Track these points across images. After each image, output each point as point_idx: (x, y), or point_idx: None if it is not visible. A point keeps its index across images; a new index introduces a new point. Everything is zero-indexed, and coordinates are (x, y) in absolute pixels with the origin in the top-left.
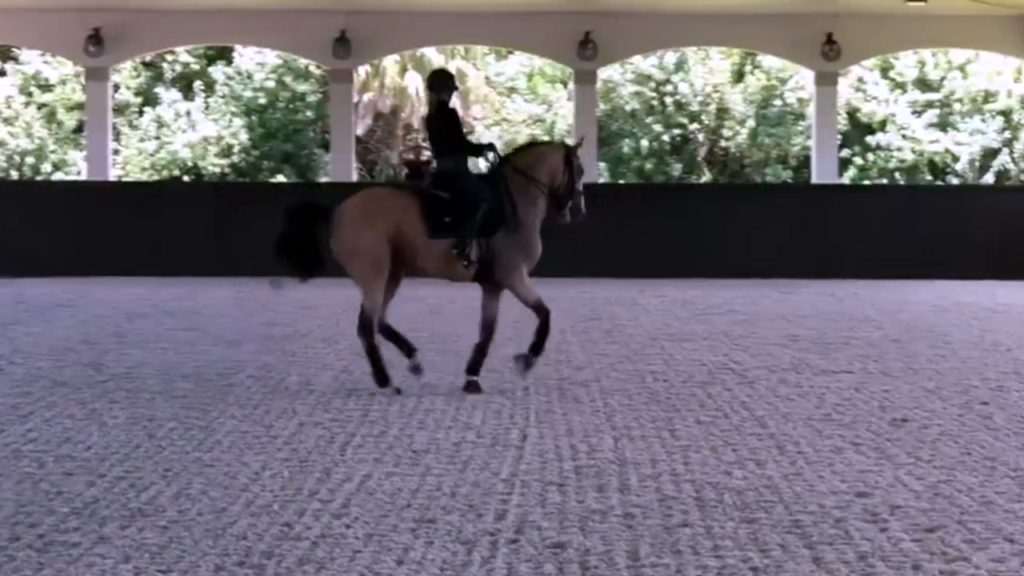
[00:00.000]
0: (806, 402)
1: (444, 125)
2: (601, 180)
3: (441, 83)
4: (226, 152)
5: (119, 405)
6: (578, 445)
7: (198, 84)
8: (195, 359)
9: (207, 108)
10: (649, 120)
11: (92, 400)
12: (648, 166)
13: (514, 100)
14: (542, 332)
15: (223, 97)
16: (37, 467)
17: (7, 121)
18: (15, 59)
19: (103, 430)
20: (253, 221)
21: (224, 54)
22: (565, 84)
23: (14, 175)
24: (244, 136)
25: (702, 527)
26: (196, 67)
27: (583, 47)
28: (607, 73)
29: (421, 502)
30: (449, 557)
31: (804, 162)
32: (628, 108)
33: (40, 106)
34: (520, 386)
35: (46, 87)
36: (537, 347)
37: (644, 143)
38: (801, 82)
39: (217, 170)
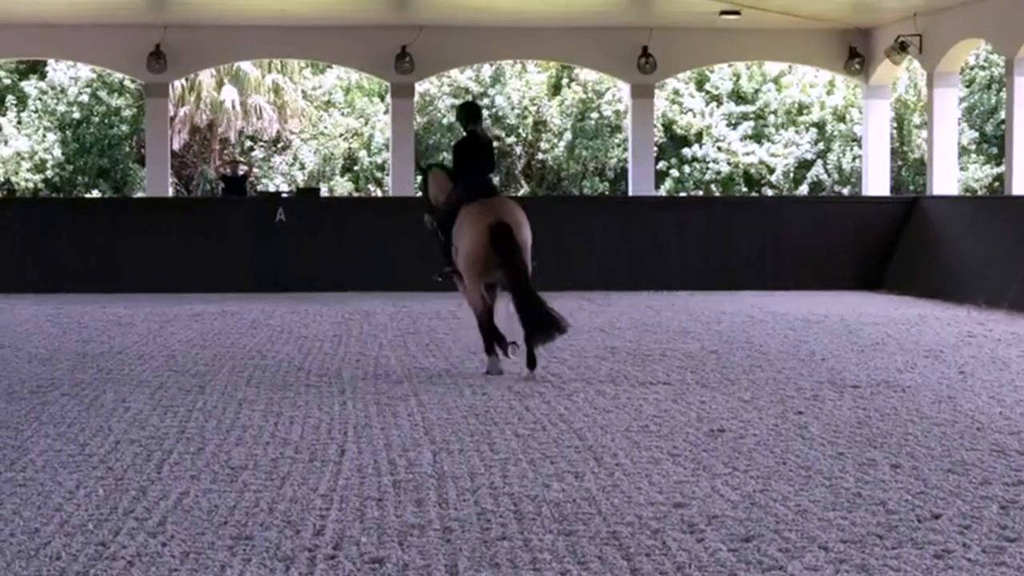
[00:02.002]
0: (624, 414)
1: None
2: (418, 194)
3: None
4: (40, 167)
5: None
6: (397, 459)
7: (10, 99)
8: (7, 376)
9: (20, 123)
10: None
11: None
12: None
13: (331, 114)
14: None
15: (36, 112)
16: None
17: None
18: None
19: None
20: (67, 236)
21: (37, 68)
22: (382, 97)
23: None
24: (58, 151)
25: (520, 540)
26: (8, 81)
27: (400, 60)
28: (424, 86)
29: (239, 519)
30: (267, 574)
31: (621, 174)
32: (445, 121)
33: None
34: (338, 401)
35: None
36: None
37: None
38: (618, 95)
39: (30, 185)
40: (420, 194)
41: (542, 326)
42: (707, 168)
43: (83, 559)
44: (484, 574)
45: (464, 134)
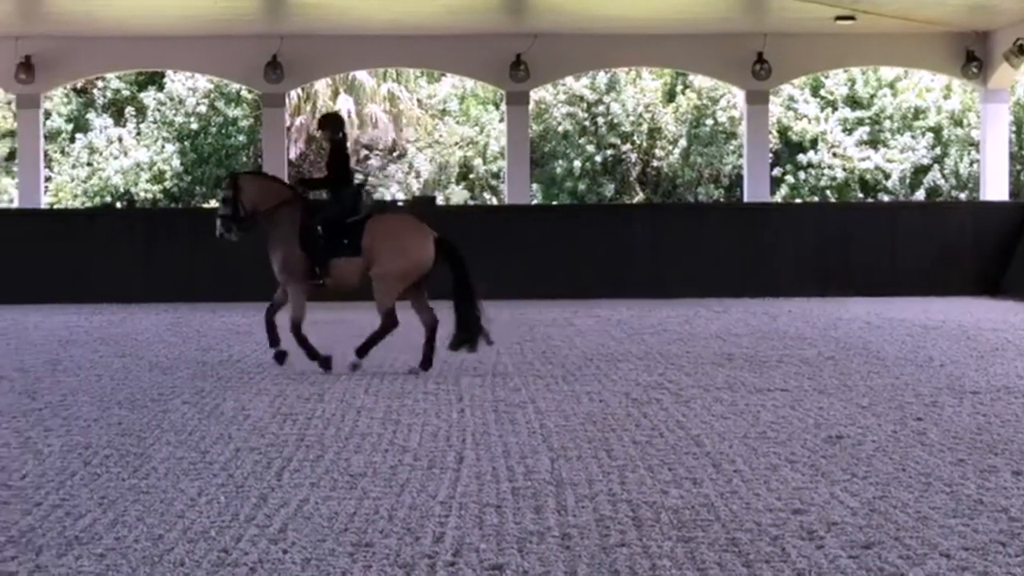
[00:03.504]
0: (741, 420)
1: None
2: (534, 201)
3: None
4: (158, 178)
5: (54, 433)
6: (515, 466)
7: (129, 110)
8: (130, 386)
9: (139, 134)
10: (582, 141)
11: (27, 428)
12: (581, 186)
13: (446, 122)
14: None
15: (155, 123)
16: None
17: None
18: None
19: (38, 458)
20: (186, 247)
21: (155, 79)
22: (497, 106)
23: None
24: (176, 161)
25: (639, 547)
26: (127, 93)
27: (515, 68)
28: (539, 94)
29: (358, 526)
30: None
31: (736, 181)
32: (560, 129)
33: None
34: (456, 408)
35: None
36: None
37: (577, 163)
38: (732, 101)
39: (150, 196)
40: (221, 203)
41: (474, 333)
42: (822, 174)
43: (206, 565)
44: None
45: (334, 141)
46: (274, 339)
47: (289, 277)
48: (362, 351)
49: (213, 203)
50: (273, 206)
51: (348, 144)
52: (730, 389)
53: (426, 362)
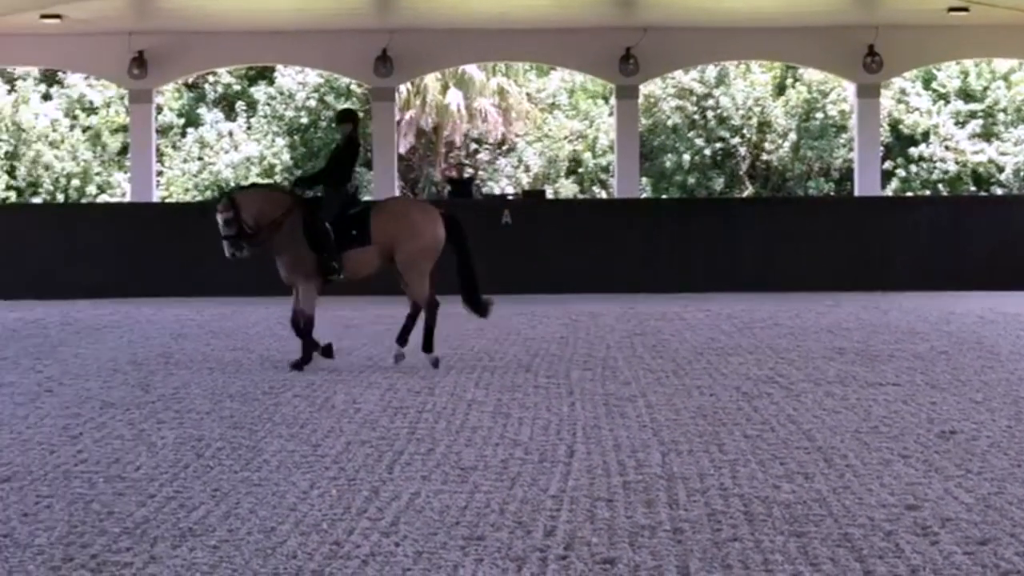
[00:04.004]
0: (853, 415)
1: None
2: (643, 195)
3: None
4: (269, 172)
5: (167, 425)
6: (626, 460)
7: (240, 104)
8: (241, 379)
9: (249, 128)
10: (691, 134)
11: (141, 420)
12: (690, 180)
13: (556, 116)
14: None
15: (265, 117)
16: (88, 488)
17: (53, 144)
18: (60, 83)
19: (152, 450)
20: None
21: (265, 74)
22: (607, 99)
23: (60, 198)
24: (287, 156)
25: (752, 541)
26: (238, 88)
27: (624, 62)
28: (649, 88)
29: (470, 519)
30: (499, 574)
31: (847, 175)
32: (670, 123)
33: (85, 129)
34: (567, 402)
35: (91, 110)
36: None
37: (686, 157)
38: (843, 94)
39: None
40: (224, 225)
41: (483, 305)
42: (934, 167)
43: (318, 558)
44: (716, 575)
45: (351, 137)
46: (312, 344)
47: (298, 277)
48: (428, 346)
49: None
50: (280, 215)
51: (360, 143)
52: (841, 383)
53: (403, 339)
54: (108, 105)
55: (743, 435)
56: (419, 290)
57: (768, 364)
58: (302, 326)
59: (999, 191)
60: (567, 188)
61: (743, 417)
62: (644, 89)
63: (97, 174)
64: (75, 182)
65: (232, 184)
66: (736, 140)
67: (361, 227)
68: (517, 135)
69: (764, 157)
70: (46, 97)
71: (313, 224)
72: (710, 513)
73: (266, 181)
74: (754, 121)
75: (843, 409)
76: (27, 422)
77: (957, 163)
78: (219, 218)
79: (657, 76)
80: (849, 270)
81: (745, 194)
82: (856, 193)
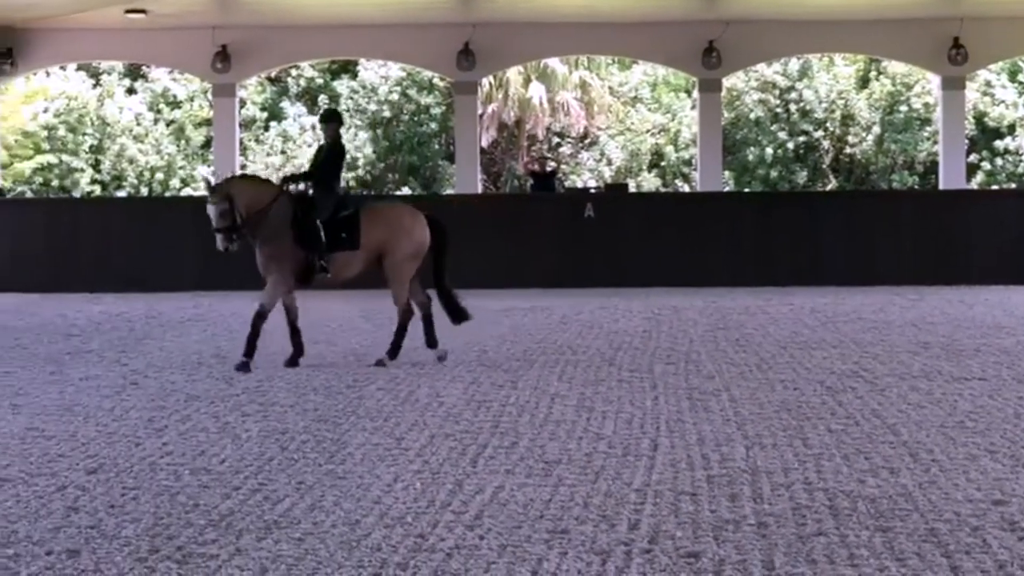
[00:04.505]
0: (938, 409)
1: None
2: (726, 189)
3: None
4: (351, 165)
5: (252, 418)
6: (710, 454)
7: (323, 98)
8: (325, 372)
9: None
10: (774, 127)
11: (225, 413)
12: (773, 174)
13: (638, 110)
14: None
15: (348, 110)
16: (173, 480)
17: (137, 138)
18: (144, 77)
19: (237, 443)
20: None
21: (348, 68)
22: (689, 93)
23: (144, 191)
24: (369, 149)
25: (837, 536)
26: (320, 81)
27: (707, 55)
28: (731, 81)
29: (554, 513)
30: (583, 567)
31: (931, 168)
32: (753, 116)
33: (169, 123)
34: (650, 396)
35: (174, 104)
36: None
37: (769, 151)
38: (927, 87)
39: (343, 184)
40: (218, 216)
41: (460, 311)
42: (1020, 160)
43: (403, 551)
44: (801, 570)
45: (335, 138)
46: (299, 346)
47: (276, 268)
48: (393, 352)
49: (406, 190)
50: (266, 205)
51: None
52: (926, 378)
53: (432, 341)
54: (192, 99)
55: (827, 429)
56: (401, 294)
57: (852, 358)
58: (254, 318)
59: None
60: (649, 182)
61: (827, 411)
62: (727, 82)
63: (181, 168)
64: (159, 176)
65: None
66: (819, 133)
67: (351, 230)
68: (599, 129)
69: (847, 150)
70: (131, 91)
71: (306, 221)
72: (794, 507)
73: (250, 172)
74: (837, 114)
75: (928, 404)
76: (113, 415)
77: None
78: (213, 210)
79: (740, 69)
80: (933, 264)
81: (828, 187)
82: (940, 186)
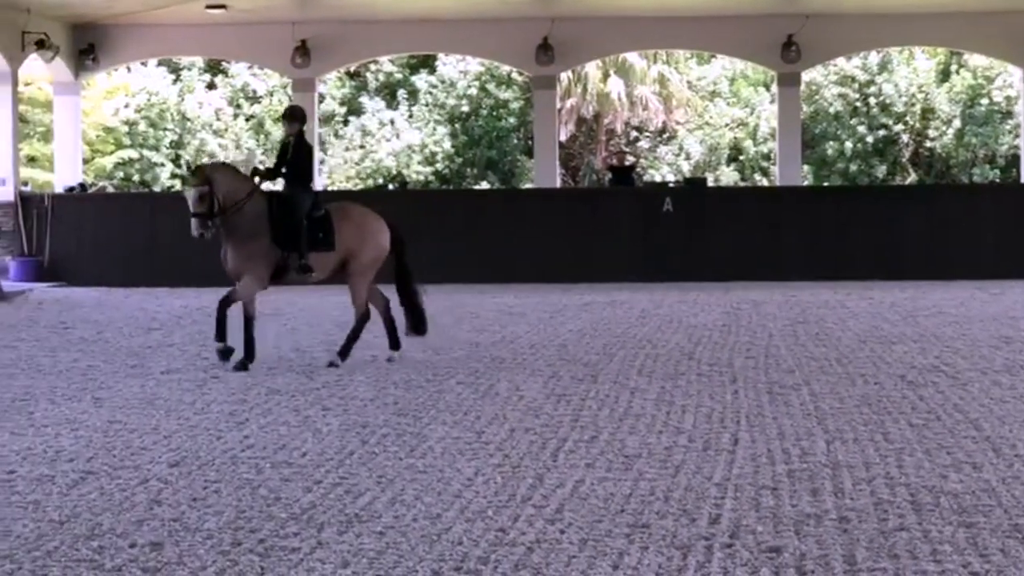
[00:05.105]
0: (1021, 404)
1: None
2: (805, 183)
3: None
4: (430, 160)
5: (332, 412)
6: (790, 449)
7: (401, 93)
8: (405, 366)
9: (411, 116)
10: (853, 121)
11: (306, 407)
12: (852, 168)
13: (717, 104)
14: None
15: (427, 105)
16: (255, 473)
17: (217, 133)
18: (224, 72)
19: (318, 437)
20: (457, 228)
21: (427, 62)
22: (768, 87)
23: None
24: (448, 143)
25: (919, 531)
26: (399, 76)
27: (786, 49)
28: (810, 75)
29: (634, 507)
30: (664, 562)
31: (1012, 161)
32: (832, 110)
33: (248, 118)
34: (730, 390)
35: (254, 99)
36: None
37: (848, 145)
38: (1009, 80)
39: (421, 178)
40: (197, 200)
41: (422, 320)
42: None
43: (484, 545)
44: (883, 565)
45: (299, 135)
46: (222, 333)
47: (253, 267)
48: (344, 353)
49: (484, 184)
50: (242, 199)
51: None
52: (1009, 372)
53: (395, 343)
54: (271, 94)
55: (908, 424)
56: (360, 297)
57: (933, 353)
58: (245, 323)
59: None
60: (728, 176)
61: (908, 406)
62: (806, 76)
63: (260, 162)
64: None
65: (393, 172)
66: (899, 127)
67: (327, 231)
68: (678, 123)
69: (927, 144)
70: (211, 86)
71: (288, 220)
72: (876, 502)
73: (228, 161)
74: (917, 108)
75: (1011, 399)
76: (194, 408)
77: None
78: (192, 192)
79: (819, 63)
80: (1015, 258)
81: (908, 181)
82: (1022, 180)
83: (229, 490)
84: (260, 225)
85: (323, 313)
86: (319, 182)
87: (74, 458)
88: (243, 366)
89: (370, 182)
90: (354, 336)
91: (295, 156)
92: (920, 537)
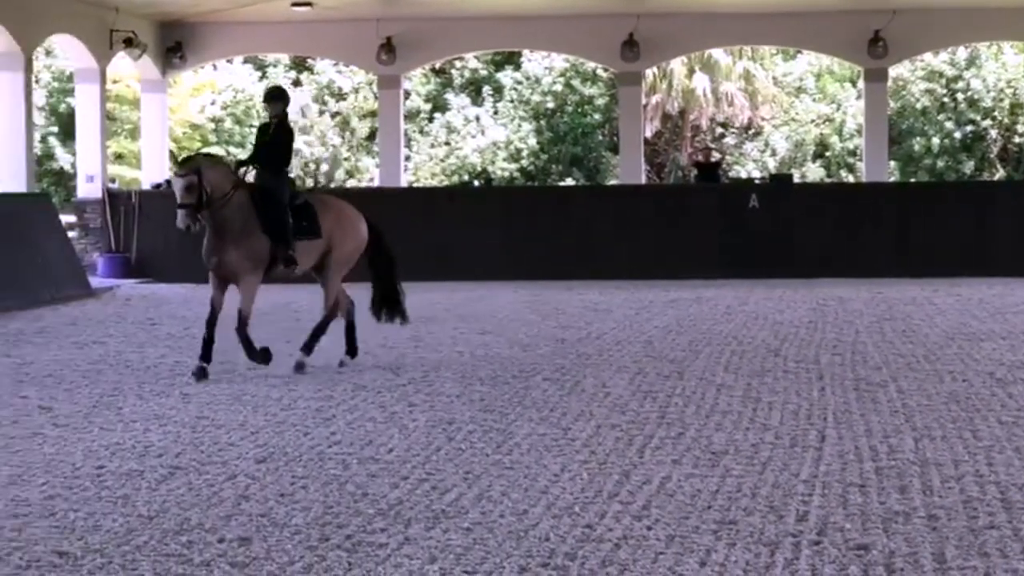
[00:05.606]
0: None
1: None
2: (892, 179)
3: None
4: (515, 156)
5: (419, 408)
6: (878, 446)
7: (487, 89)
8: (491, 362)
9: (496, 113)
10: (940, 117)
11: (392, 403)
12: (939, 164)
13: (802, 100)
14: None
15: (511, 102)
16: (342, 469)
17: (303, 130)
18: (310, 69)
19: (404, 433)
20: (543, 225)
21: (512, 59)
22: (854, 83)
23: (309, 183)
24: (533, 140)
25: (1010, 529)
26: (484, 73)
27: (873, 45)
28: (897, 71)
29: (721, 503)
30: (752, 559)
31: None
32: (919, 106)
33: (334, 114)
34: (817, 387)
35: (339, 96)
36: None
37: (935, 141)
38: None
39: (506, 174)
40: (184, 191)
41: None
42: None
43: (571, 541)
44: (973, 563)
45: (281, 117)
46: (250, 343)
47: (254, 267)
48: (308, 347)
49: (569, 181)
50: (228, 192)
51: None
52: None
53: (353, 349)
54: (357, 91)
55: (998, 422)
56: (334, 292)
57: (1022, 350)
58: (239, 325)
59: None
60: (814, 172)
61: (997, 403)
62: (893, 72)
63: (346, 159)
64: (324, 167)
65: (478, 169)
66: (987, 123)
67: (310, 218)
68: (763, 119)
69: (1016, 140)
70: (296, 83)
71: (272, 210)
72: (965, 500)
73: (216, 153)
74: (1006, 103)
75: None
76: (281, 404)
77: None
78: (180, 182)
79: (906, 58)
80: None
81: (996, 177)
82: None
83: (316, 486)
84: (251, 220)
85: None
86: (403, 179)
87: (162, 453)
88: (264, 359)
89: (455, 178)
90: (317, 333)
91: (274, 139)
92: (1011, 535)
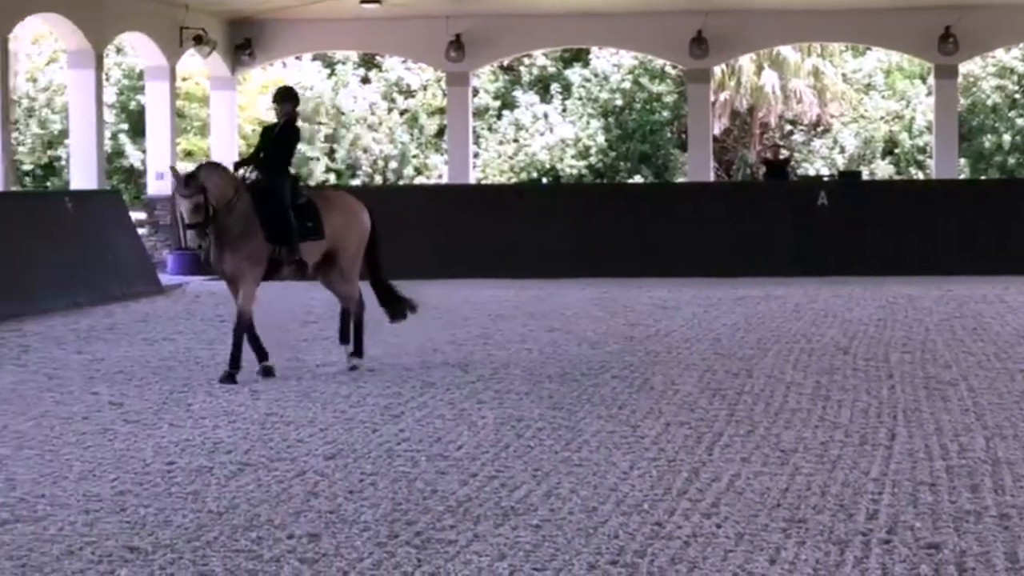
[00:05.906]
0: None
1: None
2: (962, 176)
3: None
4: (583, 154)
5: (487, 405)
6: (948, 444)
7: (555, 87)
8: (559, 360)
9: (564, 110)
10: (1012, 114)
11: (461, 400)
12: (1011, 161)
13: (871, 97)
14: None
15: (580, 99)
16: (411, 466)
17: (371, 127)
18: (378, 67)
19: (473, 430)
20: (611, 222)
21: (580, 56)
22: (924, 79)
23: (378, 180)
24: (601, 137)
25: None
26: (553, 70)
27: (943, 41)
28: (968, 67)
29: (791, 501)
30: (822, 557)
31: None
32: (989, 102)
33: (402, 112)
34: (886, 385)
35: (408, 93)
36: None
37: (1006, 138)
38: None
39: (575, 172)
40: (192, 210)
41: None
42: None
43: (640, 538)
44: None
45: (289, 117)
46: (262, 352)
47: (250, 270)
48: (358, 351)
49: (638, 178)
50: (231, 198)
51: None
52: None
53: (346, 337)
54: (425, 88)
55: None
56: (354, 286)
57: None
58: (239, 327)
59: None
60: (883, 169)
61: None
62: (963, 68)
63: (414, 156)
64: (392, 164)
65: (547, 166)
66: None
67: (314, 219)
68: (832, 116)
69: None
70: (365, 81)
71: (275, 212)
72: None
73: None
74: None
75: None
76: (350, 401)
77: None
78: (187, 204)
79: (977, 55)
80: None
81: None
82: None
83: (385, 483)
84: (253, 223)
85: (480, 306)
86: (472, 176)
87: (232, 450)
88: (230, 378)
89: (523, 175)
90: (359, 333)
91: (280, 138)
92: None
